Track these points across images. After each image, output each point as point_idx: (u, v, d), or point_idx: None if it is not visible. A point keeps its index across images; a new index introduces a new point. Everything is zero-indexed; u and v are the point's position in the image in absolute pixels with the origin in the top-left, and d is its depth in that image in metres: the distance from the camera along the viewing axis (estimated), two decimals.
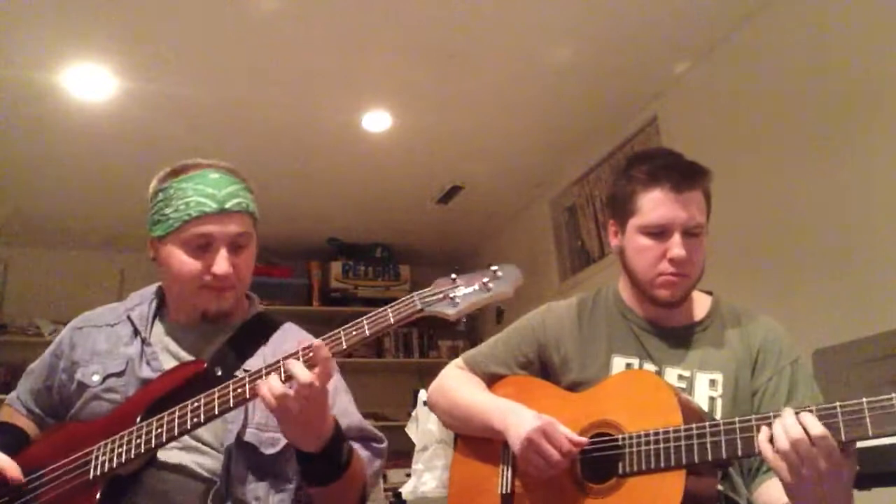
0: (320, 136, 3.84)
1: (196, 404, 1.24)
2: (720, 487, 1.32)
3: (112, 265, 4.80)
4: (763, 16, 2.96)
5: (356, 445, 1.38)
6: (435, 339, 5.41)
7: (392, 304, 1.20)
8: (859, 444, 1.52)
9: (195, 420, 1.23)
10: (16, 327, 4.68)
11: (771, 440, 1.12)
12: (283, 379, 1.19)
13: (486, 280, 1.19)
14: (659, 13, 2.97)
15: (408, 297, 1.20)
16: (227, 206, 1.36)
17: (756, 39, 3.02)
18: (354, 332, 1.20)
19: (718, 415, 1.38)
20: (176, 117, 3.56)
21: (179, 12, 2.84)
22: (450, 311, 1.18)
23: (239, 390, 1.22)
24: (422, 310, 1.19)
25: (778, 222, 2.87)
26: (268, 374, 1.21)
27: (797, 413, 1.11)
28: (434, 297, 1.19)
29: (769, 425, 1.14)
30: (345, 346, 1.21)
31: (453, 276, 1.21)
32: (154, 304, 1.49)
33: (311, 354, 1.19)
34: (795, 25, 2.84)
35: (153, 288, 1.54)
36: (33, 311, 4.70)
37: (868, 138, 2.52)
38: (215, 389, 1.24)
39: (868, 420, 1.07)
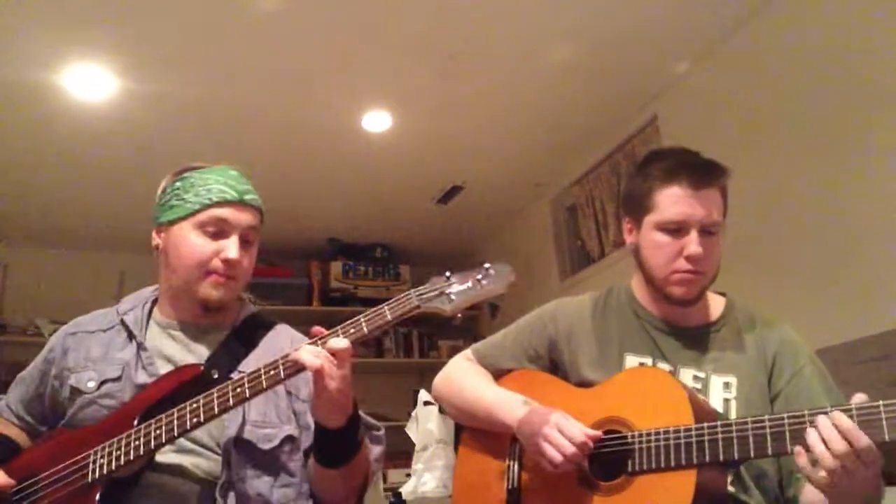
0: (320, 136, 3.83)
1: (195, 405, 1.24)
2: (731, 489, 1.30)
3: (112, 265, 4.80)
4: (763, 16, 2.95)
5: None
6: (435, 339, 5.39)
7: (389, 301, 1.23)
8: None
9: (195, 420, 1.23)
10: (15, 327, 4.68)
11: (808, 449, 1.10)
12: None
13: (479, 277, 1.23)
14: (659, 13, 2.97)
15: (404, 294, 1.23)
16: (246, 198, 1.45)
17: (756, 40, 3.02)
18: (353, 330, 1.22)
19: (732, 417, 1.35)
20: (176, 117, 3.55)
21: (179, 12, 2.83)
22: (446, 307, 1.22)
23: (238, 390, 1.23)
24: (418, 306, 1.22)
25: (778, 222, 2.87)
26: (274, 368, 1.22)
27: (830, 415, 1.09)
28: (430, 294, 1.22)
29: (782, 427, 1.13)
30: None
31: (447, 273, 1.25)
32: (148, 308, 1.50)
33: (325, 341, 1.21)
34: (795, 25, 2.84)
35: (147, 292, 1.55)
36: (33, 311, 4.70)
37: (868, 138, 2.52)
38: (214, 390, 1.24)
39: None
